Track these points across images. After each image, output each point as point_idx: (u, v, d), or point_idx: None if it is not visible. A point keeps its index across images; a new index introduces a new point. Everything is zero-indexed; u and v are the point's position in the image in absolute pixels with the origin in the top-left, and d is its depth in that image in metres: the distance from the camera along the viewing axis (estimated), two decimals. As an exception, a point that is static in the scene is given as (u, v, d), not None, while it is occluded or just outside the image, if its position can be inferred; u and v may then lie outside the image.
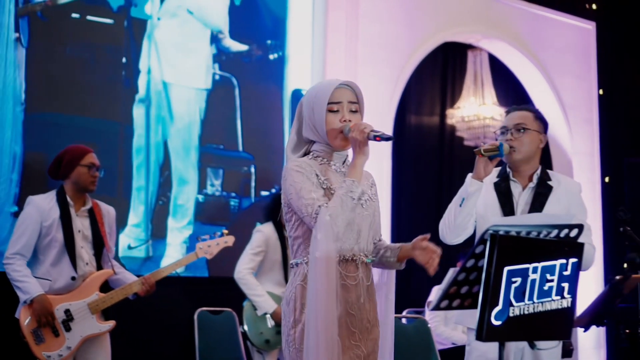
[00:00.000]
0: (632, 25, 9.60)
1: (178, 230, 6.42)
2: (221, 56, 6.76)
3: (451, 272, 2.64)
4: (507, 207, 3.69)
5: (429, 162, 8.09)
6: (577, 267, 2.69)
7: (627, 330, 3.22)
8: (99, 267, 4.73)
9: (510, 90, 8.53)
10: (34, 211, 4.62)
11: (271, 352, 5.58)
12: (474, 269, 2.60)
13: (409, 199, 7.77)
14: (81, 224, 4.69)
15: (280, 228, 5.65)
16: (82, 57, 6.12)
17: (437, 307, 2.61)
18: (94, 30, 6.20)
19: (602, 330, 8.47)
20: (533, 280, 2.59)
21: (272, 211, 5.71)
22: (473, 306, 2.66)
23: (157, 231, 6.35)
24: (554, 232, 2.70)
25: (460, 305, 2.66)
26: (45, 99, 5.96)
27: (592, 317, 3.31)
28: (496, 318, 2.52)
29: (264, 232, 5.65)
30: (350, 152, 3.00)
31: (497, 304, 2.51)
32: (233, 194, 6.74)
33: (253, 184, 6.84)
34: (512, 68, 8.52)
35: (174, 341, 6.30)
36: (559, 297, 2.66)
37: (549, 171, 3.83)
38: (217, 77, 6.74)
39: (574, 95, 8.65)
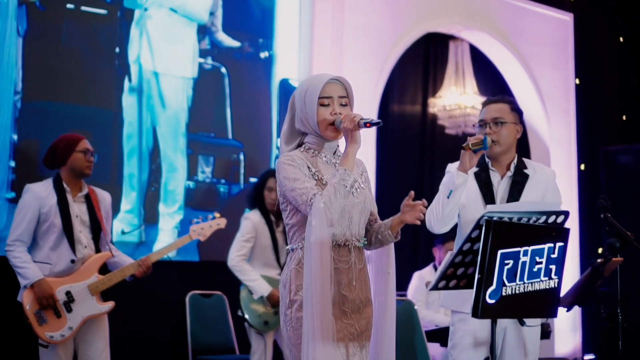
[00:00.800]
0: (609, 17, 9.84)
1: (169, 215, 6.57)
2: (214, 50, 6.92)
3: (449, 255, 2.82)
4: (488, 195, 3.84)
5: (411, 149, 8.28)
6: (564, 251, 2.91)
7: (607, 311, 3.43)
8: (97, 250, 4.89)
9: (490, 80, 8.72)
10: (31, 198, 4.77)
11: (269, 333, 5.76)
12: (469, 252, 2.81)
13: (392, 185, 7.97)
14: (78, 209, 4.84)
15: (267, 214, 5.82)
16: (77, 47, 6.24)
17: (435, 287, 2.81)
18: (89, 21, 6.32)
19: (577, 314, 8.73)
20: (524, 262, 2.81)
21: (257, 198, 5.89)
22: (468, 286, 2.87)
23: (149, 217, 6.50)
24: (543, 218, 2.91)
25: (456, 286, 2.87)
26: (41, 87, 6.08)
27: (575, 297, 3.52)
28: (490, 297, 2.73)
29: (251, 219, 5.82)
30: (341, 142, 3.16)
31: (491, 284, 2.72)
32: (223, 181, 6.91)
33: (242, 171, 7.01)
34: (492, 58, 8.71)
35: (166, 323, 6.45)
36: (546, 278, 2.88)
37: (524, 159, 3.99)
38: (207, 66, 6.89)
39: (551, 85, 8.86)
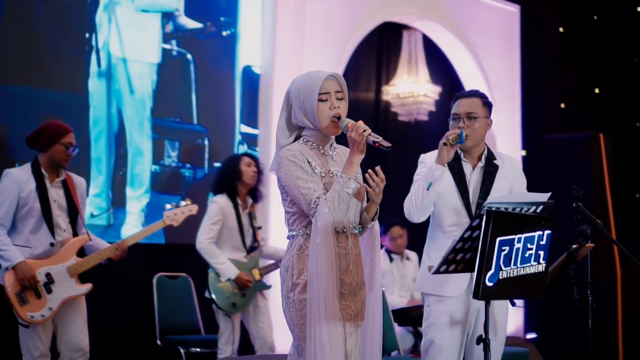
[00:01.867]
0: (553, 9, 10.22)
1: (136, 199, 6.69)
2: (177, 33, 7.03)
3: (453, 242, 3.06)
4: (462, 185, 4.04)
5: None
6: (551, 238, 3.19)
7: (579, 293, 3.71)
8: (75, 234, 5.05)
9: (441, 69, 9.00)
10: (11, 183, 4.88)
11: (237, 314, 5.94)
12: (469, 239, 3.06)
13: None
14: (56, 194, 4.98)
15: (234, 197, 5.99)
16: (47, 32, 6.29)
17: (437, 272, 3.06)
18: (60, 6, 6.38)
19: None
20: (517, 249, 3.07)
21: (223, 183, 6.04)
22: (465, 270, 3.13)
23: (117, 200, 6.61)
24: (532, 208, 3.18)
25: (454, 270, 3.12)
26: (10, 72, 6.14)
27: (551, 280, 3.81)
28: (489, 280, 2.99)
29: (219, 202, 5.96)
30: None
31: (490, 269, 2.98)
32: (188, 165, 7.06)
33: (207, 155, 7.16)
34: (443, 48, 8.99)
35: (134, 304, 6.58)
36: (536, 263, 3.16)
37: (492, 150, 4.21)
38: (173, 52, 7.01)
39: (498, 75, 9.17)
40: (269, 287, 6.12)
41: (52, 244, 4.91)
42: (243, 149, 7.28)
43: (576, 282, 3.53)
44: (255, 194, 6.08)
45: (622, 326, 8.42)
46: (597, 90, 10.85)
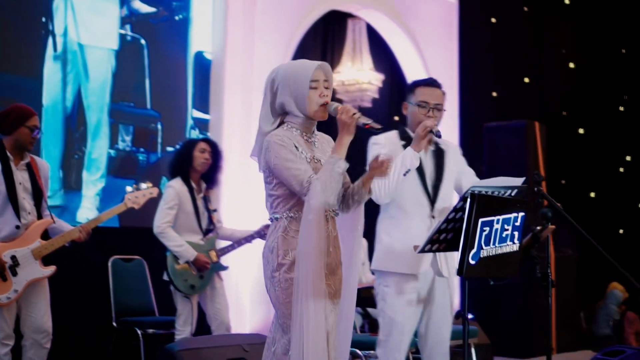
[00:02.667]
0: (487, 0, 10.53)
1: (92, 183, 6.74)
2: (131, 17, 7.08)
3: (438, 222, 3.27)
4: (420, 169, 4.26)
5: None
6: (524, 219, 3.43)
7: (541, 272, 3.97)
8: (39, 216, 5.09)
9: (384, 58, 9.21)
10: None
11: (195, 296, 6.06)
12: (452, 220, 3.28)
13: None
14: (21, 177, 5.01)
15: (188, 182, 6.08)
16: (4, 16, 6.29)
17: (422, 250, 3.27)
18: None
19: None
20: (496, 229, 3.31)
21: (179, 167, 6.13)
22: (447, 249, 3.35)
23: (73, 184, 6.64)
24: (508, 192, 3.42)
25: (437, 249, 3.34)
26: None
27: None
28: (472, 258, 3.21)
29: (174, 187, 6.05)
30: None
31: (473, 247, 3.20)
32: (142, 150, 7.12)
33: (160, 140, 7.23)
34: (386, 37, 9.20)
35: (90, 287, 6.62)
36: (511, 243, 3.40)
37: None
38: (128, 38, 7.06)
39: (437, 64, 9.42)
40: (225, 268, 6.25)
41: (17, 227, 4.95)
42: (195, 134, 7.38)
43: (539, 262, 3.78)
44: (208, 179, 6.17)
45: (556, 305, 8.82)
46: (527, 80, 11.22)
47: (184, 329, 6.01)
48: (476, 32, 10.24)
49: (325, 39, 8.81)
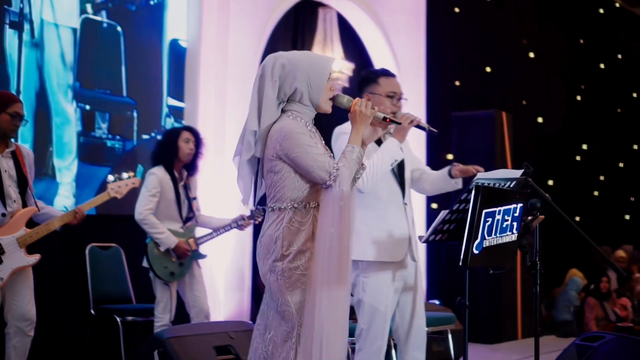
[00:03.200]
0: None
1: (66, 168, 6.70)
2: (107, 4, 7.04)
3: (442, 213, 3.35)
4: None
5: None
6: (522, 210, 3.53)
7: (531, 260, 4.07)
8: (24, 204, 5.09)
9: (354, 47, 9.27)
10: None
11: (174, 283, 6.10)
12: (455, 211, 3.37)
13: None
14: (6, 165, 5.00)
15: (171, 170, 6.12)
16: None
17: (427, 240, 3.35)
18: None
19: (423, 262, 9.55)
20: (498, 220, 3.41)
21: (164, 154, 6.16)
22: (449, 240, 3.44)
23: (47, 171, 6.60)
24: (508, 184, 3.52)
25: (440, 239, 3.43)
26: None
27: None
28: (476, 248, 3.30)
29: (157, 174, 6.07)
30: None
31: (477, 238, 3.30)
32: (117, 137, 7.10)
33: (135, 127, 7.22)
34: (356, 26, 9.27)
35: (67, 274, 6.60)
36: (510, 233, 3.50)
37: None
38: (104, 24, 7.02)
39: (405, 53, 9.53)
40: (204, 256, 6.29)
41: (3, 215, 4.94)
42: (170, 122, 7.39)
43: (528, 251, 3.89)
44: (190, 167, 6.21)
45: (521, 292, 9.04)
46: (488, 69, 11.38)
47: (163, 316, 6.04)
48: (442, 21, 10.36)
49: (296, 27, 8.84)
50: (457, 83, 10.81)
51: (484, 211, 3.27)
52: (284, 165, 3.48)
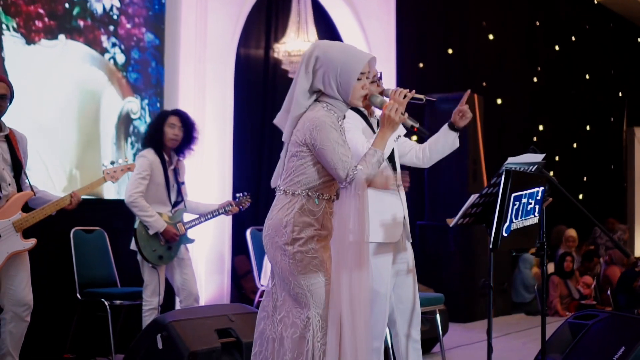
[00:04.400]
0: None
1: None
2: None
3: (472, 197, 3.42)
4: None
5: (256, 91, 8.75)
6: (544, 193, 3.63)
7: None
8: (19, 189, 5.03)
9: (328, 29, 9.29)
10: None
11: (162, 267, 6.09)
12: (484, 195, 3.45)
13: (244, 122, 8.44)
14: (0, 148, 4.95)
15: (161, 153, 6.09)
16: None
17: (456, 224, 3.43)
18: None
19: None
20: (524, 203, 3.49)
21: (154, 137, 6.13)
22: (474, 223, 3.52)
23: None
24: (530, 168, 3.62)
25: (467, 222, 3.51)
26: None
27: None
28: (505, 231, 3.39)
29: (147, 157, 6.04)
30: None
31: (506, 221, 3.38)
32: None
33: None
34: (328, 8, 9.30)
35: (52, 258, 6.54)
36: (533, 216, 3.59)
37: None
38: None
39: (377, 36, 9.61)
40: (192, 241, 6.28)
41: None
42: (151, 103, 7.36)
43: (537, 233, 3.99)
44: (179, 151, 6.19)
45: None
46: (450, 51, 11.51)
47: (151, 299, 6.03)
48: (409, 4, 10.44)
49: (270, 9, 8.83)
50: (421, 65, 10.91)
51: (513, 195, 3.36)
52: (309, 154, 3.51)
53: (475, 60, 11.87)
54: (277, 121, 3.68)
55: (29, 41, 6.55)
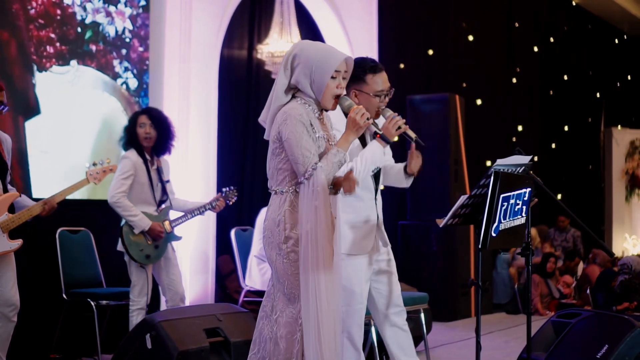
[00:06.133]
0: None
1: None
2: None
3: (462, 198, 3.48)
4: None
5: (240, 91, 8.79)
6: (530, 194, 3.70)
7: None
8: (5, 190, 5.04)
9: (307, 30, 9.32)
10: None
11: (149, 266, 6.11)
12: (473, 196, 3.51)
13: (227, 123, 8.47)
14: None
15: (143, 153, 6.12)
16: None
17: (445, 224, 3.49)
18: None
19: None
20: (511, 204, 3.56)
21: (131, 138, 6.14)
22: (463, 223, 3.58)
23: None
24: (517, 169, 3.68)
25: (455, 223, 3.57)
26: None
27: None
28: (494, 231, 3.45)
29: (130, 158, 6.07)
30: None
31: (495, 221, 3.45)
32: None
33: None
34: (311, 9, 9.35)
35: (38, 258, 6.54)
36: (520, 216, 3.66)
37: None
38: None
39: (359, 37, 9.66)
40: (179, 238, 6.31)
41: None
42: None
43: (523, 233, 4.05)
44: (155, 149, 6.19)
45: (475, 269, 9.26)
46: (430, 52, 11.58)
47: (139, 299, 6.05)
48: (390, 6, 10.50)
49: (253, 10, 8.87)
50: (402, 66, 10.97)
51: (502, 196, 3.42)
52: (283, 149, 3.57)
53: (455, 61, 11.95)
54: (261, 119, 3.74)
55: (40, 68, 6.66)
